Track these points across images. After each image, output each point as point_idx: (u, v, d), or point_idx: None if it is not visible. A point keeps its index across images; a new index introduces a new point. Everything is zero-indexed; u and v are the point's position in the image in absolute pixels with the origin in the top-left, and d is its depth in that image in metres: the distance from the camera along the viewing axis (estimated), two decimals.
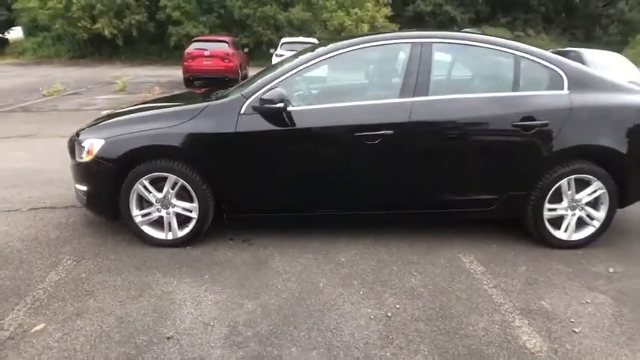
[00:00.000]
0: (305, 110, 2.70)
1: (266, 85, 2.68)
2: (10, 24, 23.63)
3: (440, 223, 3.18)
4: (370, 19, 18.63)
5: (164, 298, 2.30)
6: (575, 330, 2.11)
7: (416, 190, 2.81)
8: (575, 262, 2.78)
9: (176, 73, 13.81)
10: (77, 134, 2.93)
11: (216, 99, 2.87)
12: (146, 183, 2.72)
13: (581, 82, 2.81)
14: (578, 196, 2.85)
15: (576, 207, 2.88)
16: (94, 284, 2.42)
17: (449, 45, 2.88)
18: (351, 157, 2.70)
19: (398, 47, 2.81)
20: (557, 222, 2.91)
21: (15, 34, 23.77)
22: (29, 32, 22.25)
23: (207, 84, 11.20)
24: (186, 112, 2.74)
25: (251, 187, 2.77)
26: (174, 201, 2.77)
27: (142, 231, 2.81)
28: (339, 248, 2.87)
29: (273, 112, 2.61)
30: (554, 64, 2.80)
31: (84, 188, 2.85)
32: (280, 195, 2.81)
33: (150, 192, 2.73)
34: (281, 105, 2.52)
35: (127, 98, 9.23)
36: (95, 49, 20.45)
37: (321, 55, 2.79)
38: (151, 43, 20.95)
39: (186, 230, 2.81)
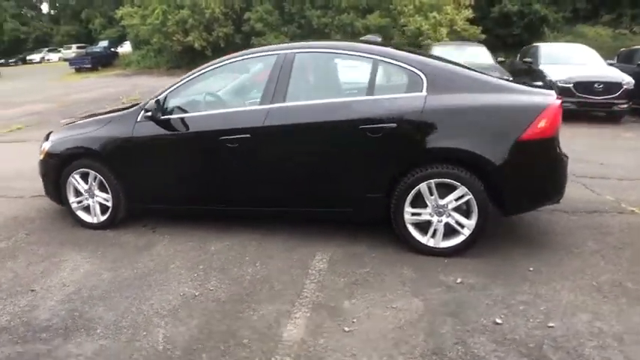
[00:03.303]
0: (181, 118, 3.24)
1: (158, 95, 3.31)
2: (122, 39, 28.72)
3: (331, 223, 3.41)
4: (449, 22, 17.97)
5: (56, 264, 3.07)
6: (346, 329, 2.26)
7: (276, 189, 3.14)
8: (429, 269, 2.81)
9: None
10: (46, 137, 3.94)
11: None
12: (77, 177, 3.56)
13: (442, 84, 2.83)
14: (442, 202, 2.85)
15: (443, 213, 2.87)
16: (22, 251, 3.31)
17: (311, 54, 3.14)
18: (218, 158, 3.16)
19: (267, 59, 3.18)
20: (425, 227, 2.94)
21: (127, 47, 28.71)
22: (136, 46, 26.59)
23: None
24: (103, 120, 3.53)
25: (145, 182, 3.42)
26: (96, 192, 3.55)
27: (77, 215, 3.67)
28: (218, 239, 3.33)
29: (157, 120, 3.22)
30: (414, 67, 2.87)
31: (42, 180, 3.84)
32: (167, 190, 3.41)
33: (79, 184, 3.57)
34: (149, 114, 3.13)
35: None
36: (189, 59, 23.51)
37: (205, 68, 3.32)
38: None
39: (105, 216, 3.58)
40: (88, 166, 3.50)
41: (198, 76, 3.31)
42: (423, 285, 2.64)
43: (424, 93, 2.81)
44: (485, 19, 19.21)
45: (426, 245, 2.94)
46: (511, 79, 7.92)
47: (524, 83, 3.36)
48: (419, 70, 2.85)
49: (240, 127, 3.05)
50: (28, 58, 37.82)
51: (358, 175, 2.95)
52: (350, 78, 3.22)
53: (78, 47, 34.58)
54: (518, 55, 9.76)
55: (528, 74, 8.37)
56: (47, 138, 3.85)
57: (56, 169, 3.60)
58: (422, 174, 2.82)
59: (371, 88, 2.92)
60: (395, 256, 2.98)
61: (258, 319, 2.36)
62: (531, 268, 2.78)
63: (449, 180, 2.79)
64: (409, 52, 3.12)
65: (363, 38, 3.43)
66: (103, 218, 3.59)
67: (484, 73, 3.13)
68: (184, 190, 3.35)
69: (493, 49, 16.63)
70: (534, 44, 9.37)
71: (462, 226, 2.87)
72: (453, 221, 2.88)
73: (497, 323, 2.26)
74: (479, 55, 8.76)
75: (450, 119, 2.78)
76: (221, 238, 3.35)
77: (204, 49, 22.29)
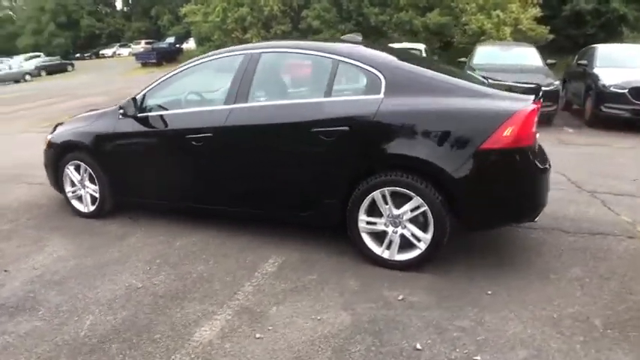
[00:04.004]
0: (155, 115, 3.39)
1: (137, 94, 3.50)
2: (188, 35, 30.54)
3: (299, 227, 3.38)
4: (513, 21, 16.89)
5: (39, 248, 3.37)
6: (257, 336, 2.25)
7: (237, 189, 3.19)
8: (376, 282, 2.70)
9: None
10: (53, 128, 4.31)
11: None
12: (71, 168, 3.88)
13: (402, 86, 2.69)
14: (397, 212, 2.73)
15: (399, 224, 2.74)
16: (17, 234, 3.67)
17: (275, 54, 3.14)
18: (185, 156, 3.27)
19: (235, 59, 3.20)
20: (383, 237, 2.82)
21: (192, 44, 30.44)
22: (199, 42, 28.13)
23: None
24: (92, 116, 3.80)
25: (125, 176, 3.63)
26: (86, 183, 3.84)
27: (72, 204, 3.99)
28: (188, 235, 3.45)
29: (131, 117, 3.40)
30: (374, 67, 2.76)
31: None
32: (143, 185, 3.59)
33: (73, 175, 3.88)
34: (122, 111, 3.32)
35: None
36: None
37: (180, 68, 3.46)
38: None
39: (94, 206, 3.86)
40: (79, 159, 3.80)
41: (173, 75, 3.45)
42: (361, 298, 2.53)
43: (381, 95, 2.69)
44: (555, 19, 17.81)
45: (381, 256, 2.82)
46: (557, 82, 7.32)
47: (507, 88, 3.03)
48: (378, 71, 2.73)
49: (205, 126, 3.13)
50: (101, 52, 41.86)
51: (314, 180, 2.91)
52: (312, 79, 3.16)
53: (146, 43, 37.65)
54: (576, 57, 8.93)
55: (582, 78, 7.63)
56: (54, 129, 4.23)
57: (55, 159, 3.95)
58: (375, 181, 2.71)
59: (329, 89, 2.85)
60: (348, 265, 2.89)
61: (181, 317, 2.42)
62: (489, 292, 2.55)
63: (403, 189, 2.66)
64: (379, 50, 3.00)
65: (343, 37, 3.36)
66: (92, 208, 3.87)
67: (460, 76, 2.93)
68: (157, 186, 3.53)
69: (562, 51, 15.41)
70: (592, 45, 8.49)
71: (419, 240, 2.72)
72: (409, 233, 2.73)
73: (417, 349, 2.11)
74: (526, 56, 8.15)
75: (405, 124, 2.64)
76: (191, 234, 3.47)
77: None
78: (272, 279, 2.78)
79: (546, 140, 6.54)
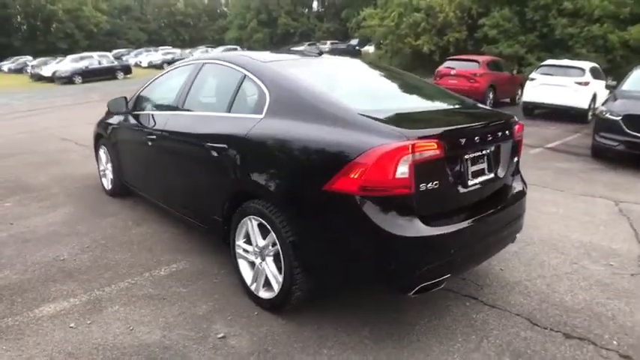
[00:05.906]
0: (138, 114, 3.99)
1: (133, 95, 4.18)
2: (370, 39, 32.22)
3: None
4: None
5: (50, 211, 4.38)
6: (72, 325, 2.56)
7: (165, 188, 3.59)
8: (223, 313, 2.70)
9: None
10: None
11: None
12: (101, 151, 4.87)
13: (281, 108, 2.61)
14: (262, 244, 2.66)
15: (265, 257, 2.66)
16: (52, 198, 4.80)
17: (212, 65, 3.34)
18: (144, 152, 3.78)
19: (189, 68, 3.55)
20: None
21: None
22: (377, 46, 29.29)
23: None
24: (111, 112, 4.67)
25: (121, 163, 4.38)
26: (107, 166, 4.76)
27: (101, 180, 4.99)
28: (148, 225, 4.00)
29: (129, 114, 4.09)
30: (264, 84, 2.74)
31: None
32: (128, 173, 4.26)
33: (102, 157, 4.86)
34: (108, 109, 4.02)
35: None
36: (419, 63, 24.24)
37: (162, 74, 4.03)
38: None
39: (111, 186, 4.75)
40: (103, 144, 4.76)
41: (157, 78, 4.05)
42: (189, 324, 2.58)
43: (262, 115, 2.66)
44: None
45: (249, 288, 2.78)
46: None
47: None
48: (267, 88, 2.70)
49: (155, 128, 3.60)
50: (291, 49, 47.24)
51: (205, 194, 3.09)
52: (224, 92, 3.20)
53: (331, 43, 41.41)
54: None
55: None
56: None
57: (95, 142, 5.01)
58: (245, 206, 2.70)
59: (230, 104, 2.94)
60: (229, 289, 2.94)
61: (54, 291, 2.91)
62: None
63: (262, 220, 2.57)
64: (301, 64, 2.93)
65: (302, 49, 3.32)
66: (111, 187, 4.79)
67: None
68: (132, 174, 4.23)
69: None
70: None
71: (276, 281, 2.58)
72: (269, 271, 2.62)
73: None
74: None
75: (266, 149, 2.56)
76: (152, 225, 4.00)
77: (432, 54, 22.86)
78: (150, 282, 3.04)
79: None
